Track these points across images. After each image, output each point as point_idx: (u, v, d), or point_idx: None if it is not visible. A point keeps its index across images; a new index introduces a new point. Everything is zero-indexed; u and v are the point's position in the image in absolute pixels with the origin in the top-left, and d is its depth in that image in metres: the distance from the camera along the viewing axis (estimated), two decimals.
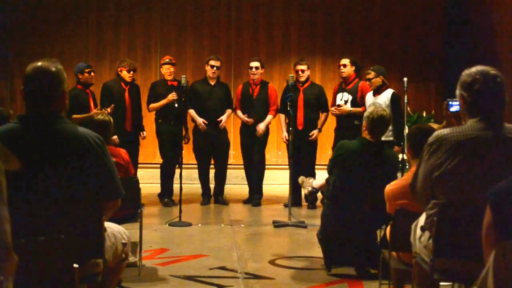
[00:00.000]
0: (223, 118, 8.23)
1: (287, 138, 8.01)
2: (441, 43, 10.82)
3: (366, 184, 4.87)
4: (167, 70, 8.23)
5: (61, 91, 2.98)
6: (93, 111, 7.47)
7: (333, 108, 7.93)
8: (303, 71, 8.14)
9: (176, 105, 8.02)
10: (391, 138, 7.25)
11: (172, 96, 8.04)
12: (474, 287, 2.35)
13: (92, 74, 7.86)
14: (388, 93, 7.43)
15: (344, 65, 7.91)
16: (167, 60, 8.29)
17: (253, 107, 8.28)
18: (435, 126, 4.30)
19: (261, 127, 8.24)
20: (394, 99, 7.34)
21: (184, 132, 8.02)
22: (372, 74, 7.48)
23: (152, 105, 8.20)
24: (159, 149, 8.42)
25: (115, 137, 7.27)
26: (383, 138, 5.22)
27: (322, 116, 8.26)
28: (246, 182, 8.63)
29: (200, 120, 8.18)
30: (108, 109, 7.26)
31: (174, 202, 8.08)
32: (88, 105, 7.75)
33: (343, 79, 7.98)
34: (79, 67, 7.84)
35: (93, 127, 4.58)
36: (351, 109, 7.75)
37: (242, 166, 8.60)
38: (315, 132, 8.19)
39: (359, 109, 7.67)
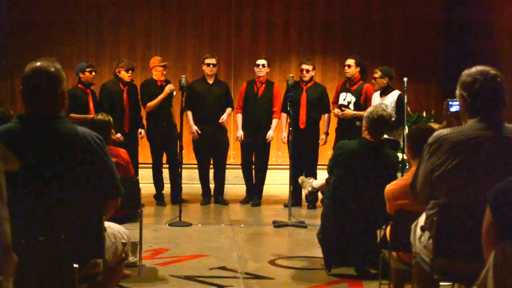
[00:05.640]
0: (224, 116, 8.20)
1: (287, 138, 8.00)
2: (441, 43, 10.81)
3: (366, 184, 4.87)
4: (163, 72, 8.17)
5: (60, 90, 2.97)
6: (91, 112, 7.50)
7: (336, 111, 7.87)
8: (307, 70, 8.09)
9: (174, 93, 7.95)
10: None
11: (169, 88, 7.99)
12: (474, 287, 2.35)
13: (93, 73, 7.88)
14: (394, 95, 7.42)
15: (349, 66, 7.84)
16: (163, 63, 8.21)
17: (256, 105, 8.22)
18: (435, 126, 4.31)
19: (270, 134, 8.20)
20: (400, 101, 7.31)
21: (177, 131, 7.89)
22: (378, 74, 7.46)
23: (149, 104, 8.07)
24: (150, 149, 8.39)
25: (118, 135, 7.31)
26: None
27: (325, 117, 8.21)
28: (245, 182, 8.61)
29: (193, 129, 8.16)
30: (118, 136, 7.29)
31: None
32: (87, 104, 7.76)
33: (347, 79, 7.94)
34: (80, 66, 7.91)
35: (93, 127, 4.60)
36: (355, 112, 7.68)
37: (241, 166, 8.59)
38: (323, 137, 8.19)
39: (362, 113, 7.63)
